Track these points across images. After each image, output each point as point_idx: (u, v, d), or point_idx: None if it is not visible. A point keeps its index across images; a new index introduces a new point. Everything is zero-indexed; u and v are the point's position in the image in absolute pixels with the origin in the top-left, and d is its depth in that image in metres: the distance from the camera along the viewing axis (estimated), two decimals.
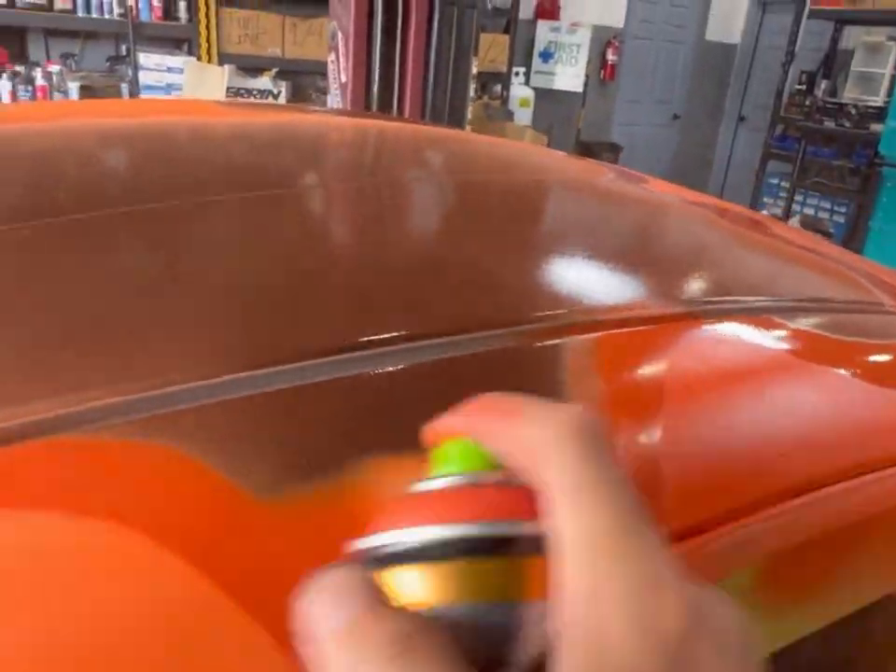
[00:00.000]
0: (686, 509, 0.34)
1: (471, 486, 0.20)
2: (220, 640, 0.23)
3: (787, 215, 4.83)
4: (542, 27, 5.02)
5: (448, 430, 0.22)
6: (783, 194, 5.10)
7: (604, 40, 5.21)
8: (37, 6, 3.51)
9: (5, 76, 3.55)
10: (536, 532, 0.19)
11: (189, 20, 3.81)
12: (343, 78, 2.51)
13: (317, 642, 0.19)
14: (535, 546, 0.19)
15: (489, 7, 4.33)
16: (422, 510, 0.20)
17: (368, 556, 0.20)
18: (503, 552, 0.19)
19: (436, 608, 0.19)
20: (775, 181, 5.29)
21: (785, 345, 0.49)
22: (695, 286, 0.55)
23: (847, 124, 4.65)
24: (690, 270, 0.58)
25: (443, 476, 0.21)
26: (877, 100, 4.56)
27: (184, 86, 3.79)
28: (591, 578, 0.18)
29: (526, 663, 0.19)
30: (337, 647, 0.18)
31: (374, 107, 2.46)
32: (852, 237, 4.61)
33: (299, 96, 4.20)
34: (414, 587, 0.19)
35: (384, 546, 0.20)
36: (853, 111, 4.64)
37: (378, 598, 0.19)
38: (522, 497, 0.20)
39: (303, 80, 4.26)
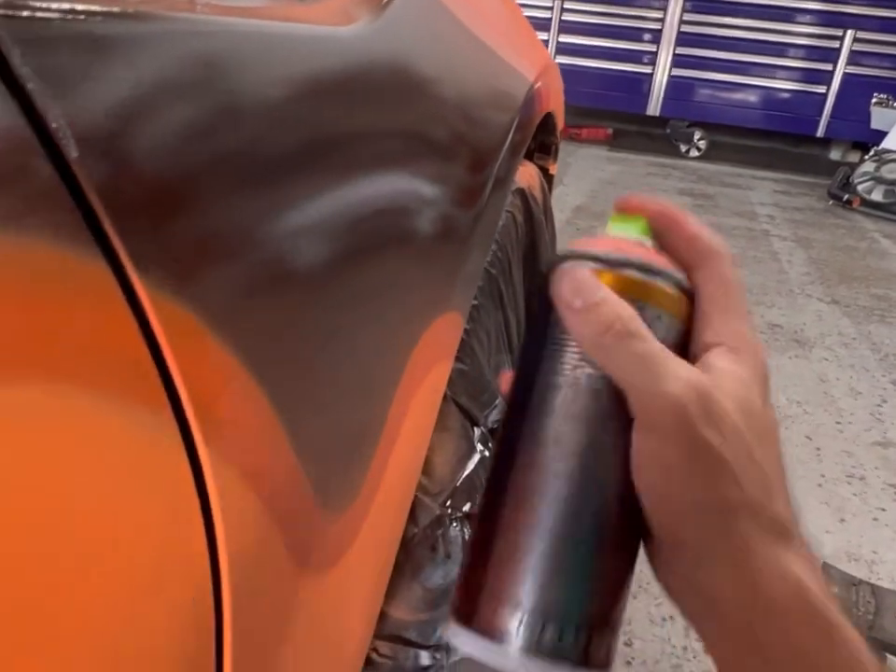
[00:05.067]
0: None
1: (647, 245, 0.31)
2: None
3: None
4: None
5: (639, 207, 0.32)
6: None
7: None
8: None
9: None
10: (685, 282, 0.30)
11: None
12: None
13: (566, 315, 0.28)
14: (686, 290, 0.30)
15: None
16: (622, 245, 0.30)
17: (589, 259, 0.29)
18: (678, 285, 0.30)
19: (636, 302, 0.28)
20: None
21: None
22: None
23: None
24: None
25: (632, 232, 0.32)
26: None
27: None
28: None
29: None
30: (579, 321, 0.28)
31: None
32: None
33: None
34: (622, 288, 0.29)
35: (604, 257, 0.29)
36: None
37: (603, 289, 0.28)
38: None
39: None
